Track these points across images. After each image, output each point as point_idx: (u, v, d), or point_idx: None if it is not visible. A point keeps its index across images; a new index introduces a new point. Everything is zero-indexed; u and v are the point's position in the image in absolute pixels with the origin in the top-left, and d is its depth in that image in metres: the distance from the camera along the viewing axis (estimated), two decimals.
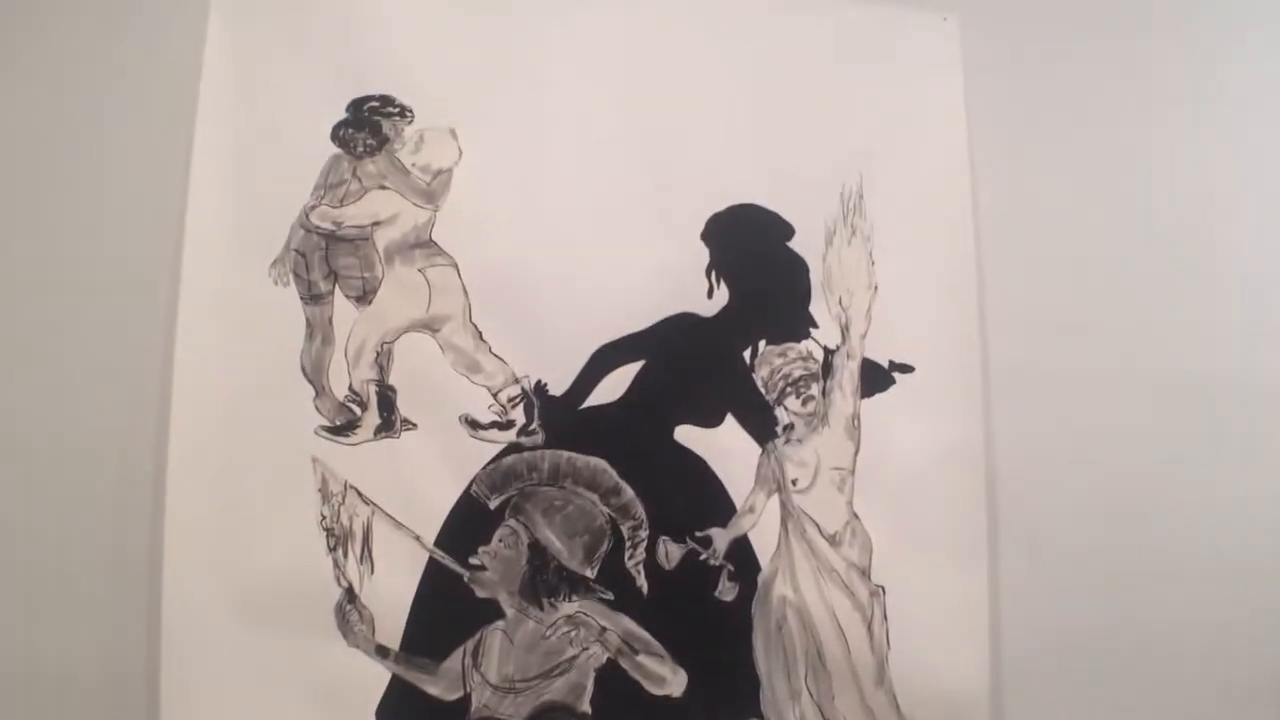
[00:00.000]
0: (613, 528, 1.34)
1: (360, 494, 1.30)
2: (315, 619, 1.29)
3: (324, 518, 1.29)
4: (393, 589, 1.31)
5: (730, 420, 1.38)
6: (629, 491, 1.34)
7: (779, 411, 1.40)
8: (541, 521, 1.33)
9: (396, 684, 1.31)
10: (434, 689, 1.32)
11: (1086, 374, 1.48)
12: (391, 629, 1.31)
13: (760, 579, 1.38)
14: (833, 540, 1.38)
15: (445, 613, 1.32)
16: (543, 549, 1.33)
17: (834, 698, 1.37)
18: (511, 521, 1.34)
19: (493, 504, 1.34)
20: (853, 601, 1.39)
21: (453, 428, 1.33)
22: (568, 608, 1.33)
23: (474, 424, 1.34)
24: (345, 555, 1.30)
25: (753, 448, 1.39)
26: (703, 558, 1.35)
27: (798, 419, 1.40)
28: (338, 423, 1.31)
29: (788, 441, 1.40)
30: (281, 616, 1.28)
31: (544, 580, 1.33)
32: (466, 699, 1.32)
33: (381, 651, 1.30)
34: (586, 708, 1.33)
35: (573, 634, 1.33)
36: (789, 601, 1.37)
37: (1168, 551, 1.46)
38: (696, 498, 1.36)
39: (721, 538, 1.37)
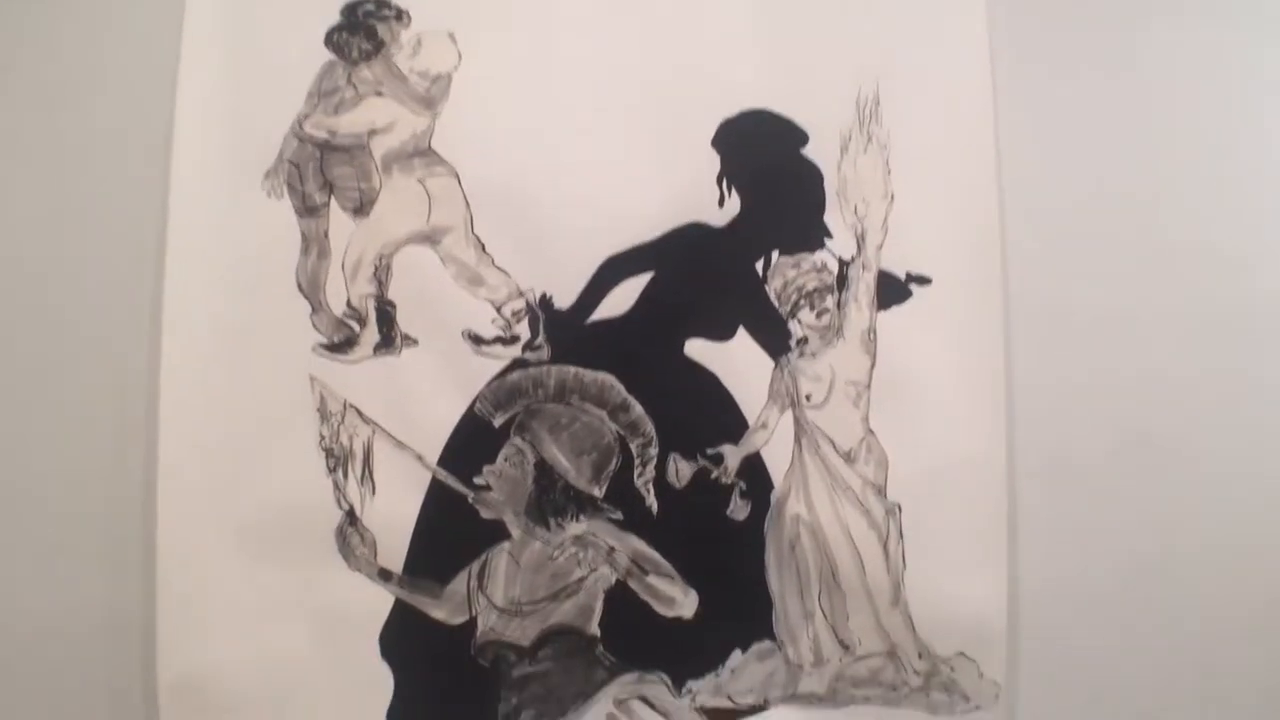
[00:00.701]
0: (621, 445, 1.29)
1: (360, 413, 1.26)
2: (315, 544, 1.27)
3: (323, 438, 1.26)
4: (395, 511, 1.28)
5: (742, 334, 1.34)
6: (638, 407, 1.30)
7: (792, 325, 1.34)
8: (547, 439, 1.29)
9: (400, 608, 1.28)
10: (438, 613, 1.29)
11: (1111, 293, 1.41)
12: (394, 552, 1.28)
13: (773, 497, 1.34)
14: (847, 457, 1.33)
15: (449, 534, 1.29)
16: (549, 468, 1.29)
17: (848, 618, 1.33)
18: (516, 440, 1.29)
19: (497, 422, 1.30)
20: (868, 520, 1.34)
21: (455, 343, 1.29)
22: (575, 528, 1.29)
23: (477, 339, 1.29)
24: (345, 477, 1.27)
25: (765, 362, 1.34)
26: (714, 476, 1.31)
27: (812, 332, 1.35)
28: (336, 340, 1.27)
29: (801, 355, 1.35)
30: (281, 542, 1.25)
31: (551, 500, 1.29)
32: (472, 622, 1.29)
33: (384, 575, 1.27)
34: (595, 630, 1.30)
35: (580, 555, 1.29)
36: (802, 520, 1.33)
37: (1194, 480, 1.40)
38: (708, 414, 1.32)
39: (733, 455, 1.32)
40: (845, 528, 1.33)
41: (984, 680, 1.33)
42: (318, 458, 1.27)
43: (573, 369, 1.29)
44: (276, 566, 1.25)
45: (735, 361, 1.33)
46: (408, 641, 1.28)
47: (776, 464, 1.34)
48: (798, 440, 1.34)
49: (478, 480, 1.28)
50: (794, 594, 1.34)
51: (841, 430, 1.34)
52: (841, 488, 1.34)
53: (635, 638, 1.30)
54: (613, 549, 1.28)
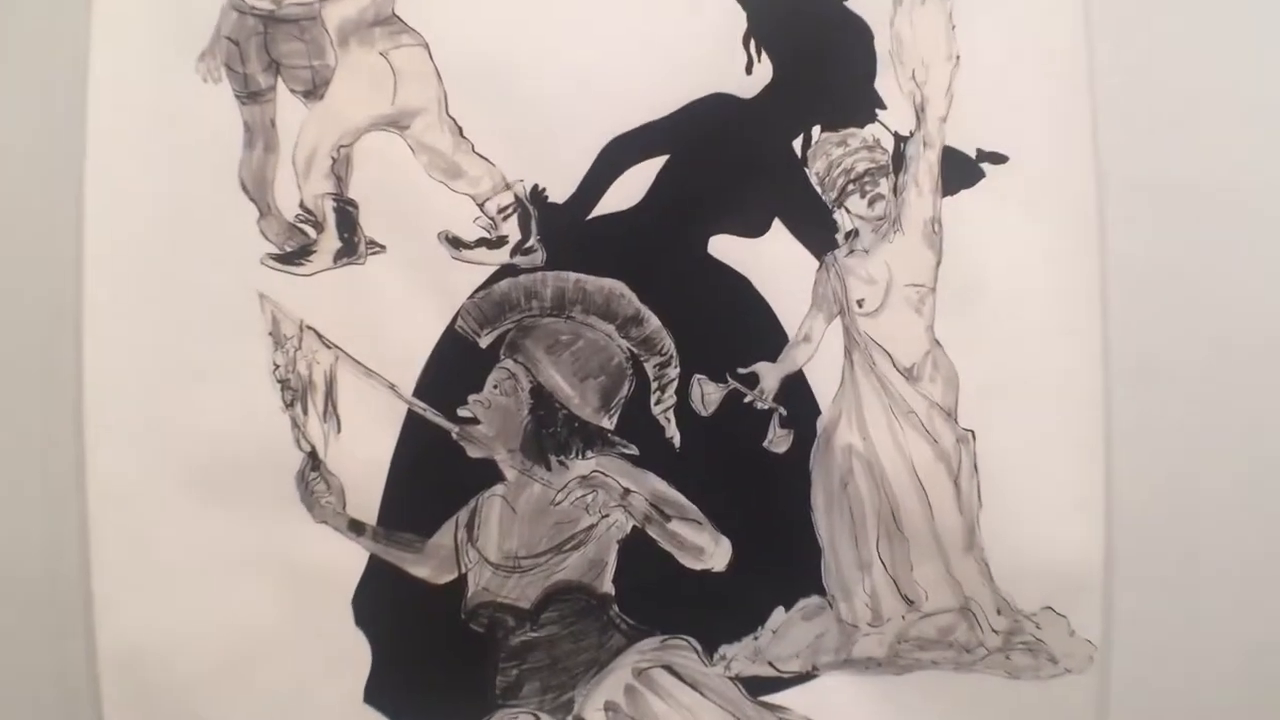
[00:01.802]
0: (634, 366, 1.12)
1: (320, 336, 1.09)
2: (272, 491, 1.10)
3: (277, 367, 1.09)
4: (365, 451, 1.12)
5: (778, 227, 1.14)
6: (653, 320, 1.12)
7: (839, 215, 1.15)
8: (545, 361, 1.12)
9: (375, 566, 1.12)
10: (421, 570, 1.13)
11: (1219, 174, 1.19)
12: (366, 500, 1.12)
13: (820, 425, 1.15)
14: (909, 374, 1.14)
15: (430, 478, 1.13)
16: (548, 395, 1.11)
17: (912, 568, 1.15)
18: (508, 362, 1.12)
19: (483, 341, 1.12)
20: (935, 450, 1.15)
21: (431, 249, 1.11)
22: (581, 466, 1.12)
23: (456, 242, 1.11)
24: (305, 412, 1.10)
25: (808, 261, 1.15)
26: (748, 400, 1.13)
27: (863, 224, 1.15)
28: (288, 249, 1.10)
29: (851, 252, 1.15)
30: (231, 490, 1.10)
31: (551, 433, 1.12)
32: (462, 581, 1.13)
33: (355, 527, 1.10)
34: (608, 587, 1.14)
35: (589, 498, 1.12)
36: (856, 452, 1.15)
37: None
38: (738, 326, 1.14)
39: (771, 374, 1.14)
40: (908, 460, 1.15)
41: (1075, 639, 1.16)
42: (271, 390, 1.10)
43: (573, 275, 1.11)
44: (227, 518, 1.10)
45: (770, 261, 1.14)
46: (386, 605, 1.12)
47: (823, 385, 1.16)
48: (848, 355, 1.15)
49: (463, 412, 1.11)
50: (847, 540, 1.16)
51: (901, 342, 1.15)
52: (902, 412, 1.15)
53: (656, 596, 1.14)
54: (627, 490, 1.11)
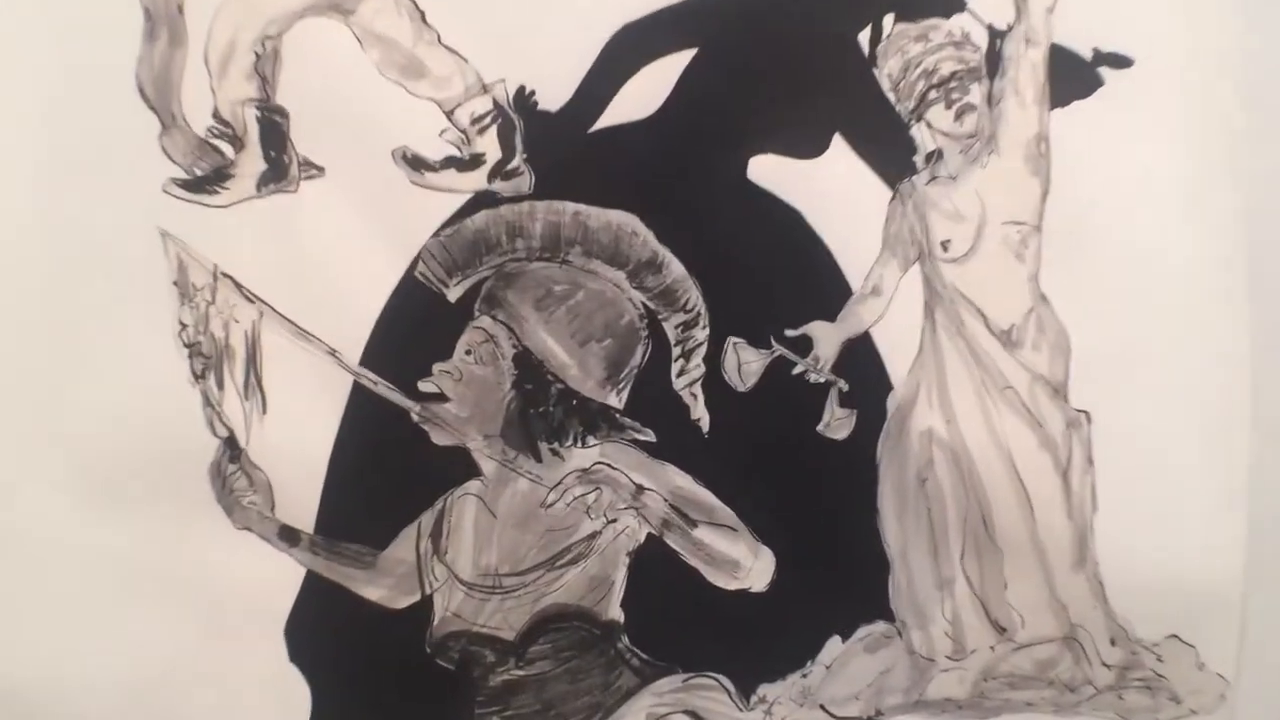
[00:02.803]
0: (650, 326, 0.99)
1: (239, 286, 0.97)
2: (181, 490, 0.99)
3: (184, 328, 0.97)
4: (297, 437, 0.99)
5: (839, 146, 0.99)
6: (675, 265, 0.98)
7: (918, 131, 1.00)
8: (534, 319, 0.97)
9: (314, 586, 1.00)
10: (373, 591, 0.99)
11: None
12: (300, 500, 0.99)
13: (892, 404, 1.02)
14: (1007, 339, 1.00)
15: (384, 472, 1.00)
16: (537, 364, 0.97)
17: (1005, 587, 1.02)
18: (485, 320, 0.98)
19: (453, 293, 0.98)
20: (1039, 436, 1.00)
21: (383, 171, 0.96)
22: (581, 457, 0.99)
23: (417, 163, 0.96)
24: (220, 386, 0.98)
25: (877, 190, 1.00)
26: (798, 371, 1.00)
27: (948, 143, 1.00)
28: (198, 172, 0.97)
29: (934, 180, 1.00)
30: (128, 490, 0.99)
31: (541, 414, 0.98)
32: (426, 605, 1.00)
33: (287, 536, 0.98)
34: (615, 613, 1.00)
35: (590, 498, 0.98)
36: (937, 438, 1.02)
37: None
38: (786, 273, 1.00)
39: (828, 338, 1.00)
40: (1004, 449, 1.01)
41: (1204, 674, 1.04)
42: (178, 357, 0.97)
43: (571, 206, 0.97)
44: (123, 522, 0.98)
45: (829, 190, 1.00)
46: (329, 635, 1.00)
47: (896, 352, 1.03)
48: (929, 314, 1.01)
49: (425, 386, 0.97)
50: (923, 552, 1.03)
51: (998, 297, 1.01)
52: (998, 388, 1.01)
53: (677, 624, 1.01)
54: (640, 488, 0.97)
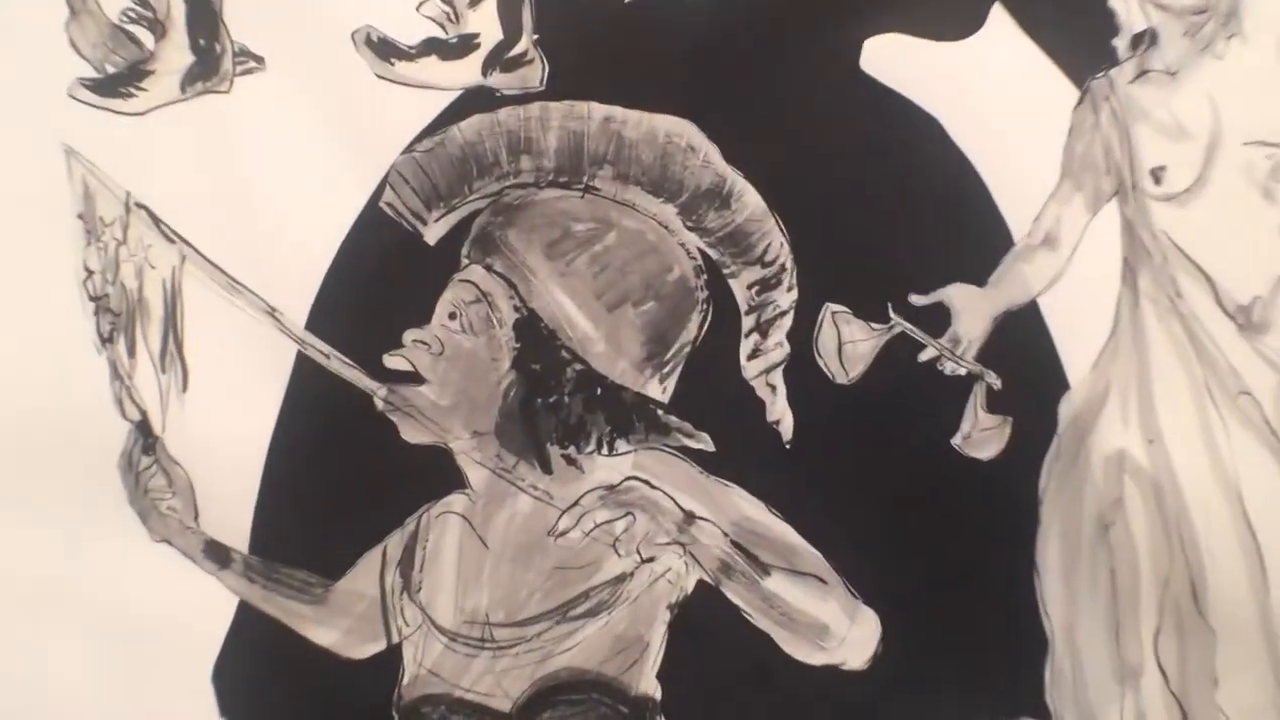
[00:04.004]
0: (711, 285, 0.80)
1: (157, 221, 0.83)
2: (81, 486, 0.85)
3: (89, 275, 0.85)
4: (226, 425, 0.85)
5: (1000, 18, 0.79)
6: (750, 197, 0.79)
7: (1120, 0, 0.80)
8: (545, 271, 0.79)
9: (249, 620, 0.84)
10: (323, 633, 0.82)
11: None
12: (230, 508, 0.84)
13: (1066, 411, 0.82)
14: (1247, 320, 0.79)
15: (336, 477, 0.84)
16: (547, 335, 0.78)
17: (1216, 683, 0.82)
18: (476, 272, 0.80)
19: (431, 231, 0.81)
20: None
21: (341, 61, 0.82)
22: (608, 469, 0.80)
23: (386, 49, 0.81)
24: (132, 353, 0.84)
25: (1057, 89, 0.80)
26: (926, 357, 0.81)
27: (1167, 19, 0.79)
28: (110, 69, 0.86)
29: (1144, 75, 0.80)
30: (16, 483, 0.86)
31: (552, 406, 0.79)
32: (394, 655, 0.82)
33: (214, 554, 0.83)
34: (649, 687, 0.81)
35: (619, 527, 0.77)
36: (1133, 466, 0.81)
37: None
38: (913, 211, 0.81)
39: (974, 309, 0.81)
40: (1232, 485, 0.82)
41: None
42: (82, 314, 0.84)
43: (599, 109, 0.80)
44: (14, 527, 0.85)
45: (980, 89, 0.80)
46: (267, 685, 0.85)
47: (1076, 334, 0.82)
48: (1129, 278, 0.80)
49: (393, 362, 0.80)
50: (1099, 625, 0.82)
51: (1235, 256, 0.80)
52: (1227, 393, 0.81)
53: (735, 707, 0.83)
54: (690, 516, 0.77)
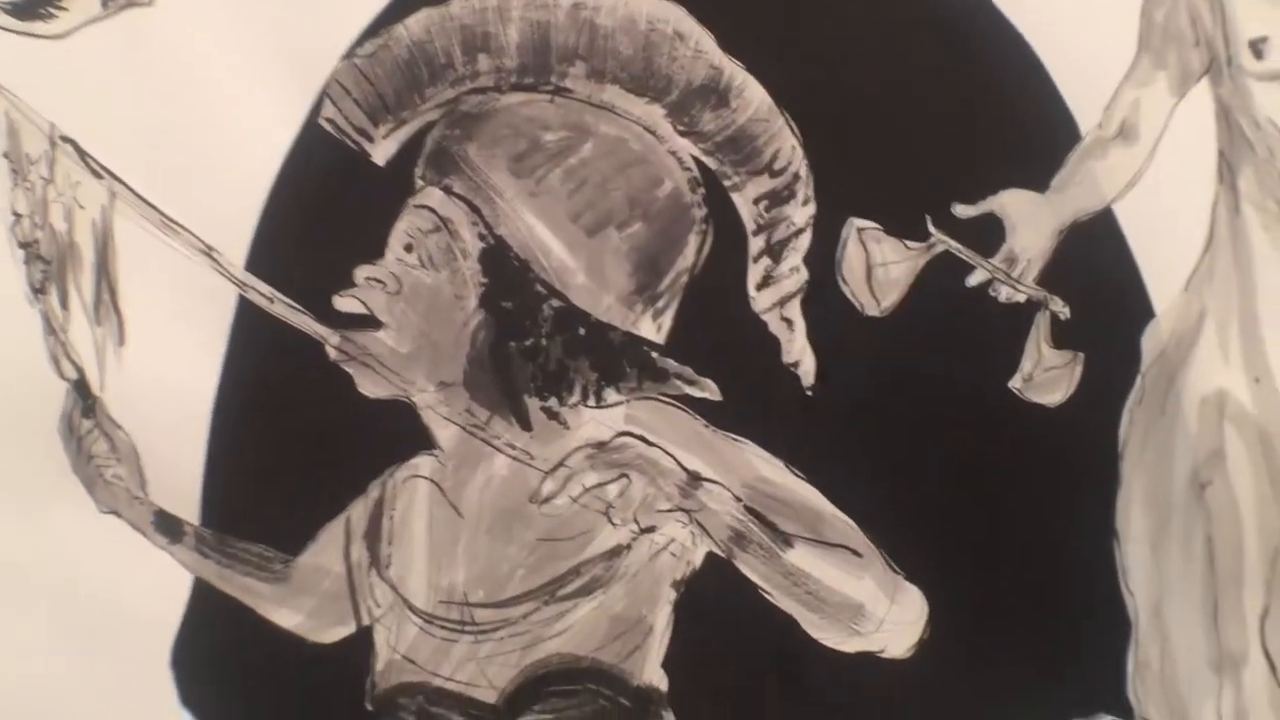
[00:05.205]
0: (711, 201, 0.71)
1: (84, 156, 0.76)
2: (24, 453, 0.79)
3: (17, 219, 0.78)
4: (166, 381, 0.77)
5: None
6: (753, 91, 0.69)
7: None
8: (512, 190, 0.70)
9: (206, 600, 0.77)
10: (285, 614, 0.76)
11: None
12: (178, 475, 0.77)
13: (1152, 345, 0.71)
14: None
15: (288, 437, 0.76)
16: (519, 266, 0.70)
17: None
18: (433, 195, 0.71)
19: (380, 148, 0.71)
20: None
21: None
22: (596, 423, 0.71)
23: None
24: (65, 305, 0.78)
25: None
26: (976, 281, 0.70)
27: None
28: None
29: None
30: None
31: (528, 350, 0.70)
32: (365, 639, 0.75)
33: (164, 526, 0.75)
34: (653, 676, 0.72)
35: (612, 491, 0.69)
36: (1234, 411, 0.71)
37: None
38: (954, 98, 0.70)
39: (1033, 220, 0.69)
40: None
41: None
42: (10, 263, 0.78)
43: None
44: None
45: None
46: (228, 672, 0.78)
47: (1161, 248, 0.71)
48: (1227, 178, 0.70)
49: (343, 304, 0.71)
50: (1192, 605, 0.72)
51: None
52: None
53: (751, 699, 0.75)
54: (695, 478, 0.69)
